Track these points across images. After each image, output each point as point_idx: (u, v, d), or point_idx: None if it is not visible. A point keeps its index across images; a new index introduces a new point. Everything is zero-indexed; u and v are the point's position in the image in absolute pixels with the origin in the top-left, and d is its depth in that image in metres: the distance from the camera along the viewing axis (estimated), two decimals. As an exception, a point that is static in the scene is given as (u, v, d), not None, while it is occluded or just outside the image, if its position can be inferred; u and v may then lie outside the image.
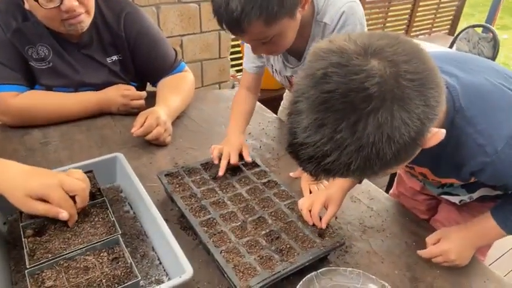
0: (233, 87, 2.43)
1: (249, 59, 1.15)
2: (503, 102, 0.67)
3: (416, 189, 1.14)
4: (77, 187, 0.71)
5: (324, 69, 0.50)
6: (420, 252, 0.81)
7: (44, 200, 0.69)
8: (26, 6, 1.04)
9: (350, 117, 0.49)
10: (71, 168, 0.84)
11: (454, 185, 0.89)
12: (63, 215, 0.70)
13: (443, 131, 0.56)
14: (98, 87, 1.23)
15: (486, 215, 0.79)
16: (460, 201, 0.94)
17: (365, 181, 1.03)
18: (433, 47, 2.80)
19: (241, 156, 0.98)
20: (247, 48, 1.12)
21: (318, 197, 0.84)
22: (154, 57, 1.27)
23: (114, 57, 1.24)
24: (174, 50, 1.33)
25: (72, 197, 0.72)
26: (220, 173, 0.93)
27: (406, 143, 0.50)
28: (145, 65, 1.27)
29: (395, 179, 1.25)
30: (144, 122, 1.08)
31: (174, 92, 1.25)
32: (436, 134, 0.55)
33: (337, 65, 0.50)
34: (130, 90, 1.26)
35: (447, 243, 0.79)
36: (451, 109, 0.65)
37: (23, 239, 0.69)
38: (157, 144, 1.11)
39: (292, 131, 0.54)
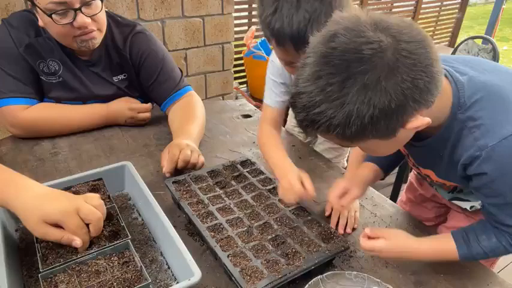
0: (236, 98, 2.46)
1: (276, 94, 1.04)
2: (510, 104, 0.66)
3: (426, 196, 1.15)
4: (92, 216, 0.69)
5: (334, 31, 0.57)
6: (361, 241, 0.76)
7: (58, 225, 0.68)
8: (40, 23, 1.08)
9: (342, 73, 0.55)
10: (81, 176, 0.87)
11: (464, 191, 0.89)
12: (77, 242, 0.68)
13: (428, 119, 0.60)
14: (106, 100, 1.26)
15: (446, 236, 0.76)
16: (470, 207, 0.94)
17: (368, 187, 1.05)
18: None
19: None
20: (270, 82, 1.05)
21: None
22: (158, 78, 1.27)
23: (121, 77, 1.27)
24: (181, 70, 1.35)
25: (87, 224, 0.70)
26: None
27: (385, 112, 0.55)
28: (149, 85, 1.28)
29: (405, 186, 1.26)
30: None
31: (189, 120, 1.21)
32: (420, 119, 0.59)
33: (347, 28, 0.56)
34: (137, 103, 1.29)
35: (383, 244, 0.74)
36: (455, 104, 0.66)
37: (35, 244, 0.71)
38: (193, 168, 1.01)
39: (296, 81, 0.60)
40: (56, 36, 1.11)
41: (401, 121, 0.58)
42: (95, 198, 0.73)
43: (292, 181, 0.83)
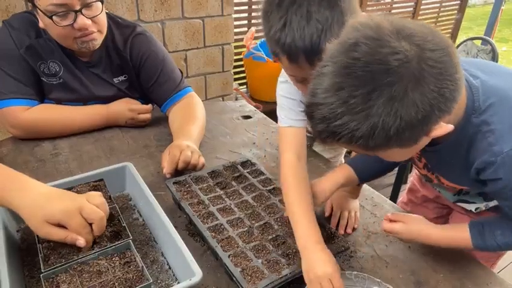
0: (236, 99, 2.47)
1: (296, 113, 0.89)
2: None
3: (429, 197, 1.14)
4: (95, 215, 0.70)
5: (355, 39, 0.55)
6: (383, 223, 0.82)
7: (61, 225, 0.68)
8: (41, 24, 1.09)
9: (367, 85, 0.53)
10: (82, 177, 0.87)
11: (470, 193, 0.90)
12: (80, 242, 0.69)
13: (451, 126, 0.59)
14: (106, 101, 1.27)
15: (463, 226, 0.78)
16: (476, 209, 0.94)
17: (368, 188, 1.06)
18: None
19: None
20: (288, 102, 0.91)
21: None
22: (158, 79, 1.27)
23: (121, 78, 1.27)
24: (181, 72, 1.35)
25: (90, 223, 0.70)
26: None
27: (412, 123, 0.54)
28: (149, 87, 1.29)
29: (407, 187, 1.26)
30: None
31: (190, 121, 1.21)
32: (444, 127, 0.58)
33: (368, 37, 0.54)
34: (137, 104, 1.29)
35: (402, 227, 0.79)
36: (469, 108, 0.66)
37: (37, 245, 0.71)
38: (194, 169, 1.01)
39: (313, 91, 0.58)
40: (57, 38, 1.11)
41: (425, 130, 0.57)
42: (96, 196, 0.74)
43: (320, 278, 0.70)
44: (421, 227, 0.80)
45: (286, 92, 0.92)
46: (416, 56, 0.53)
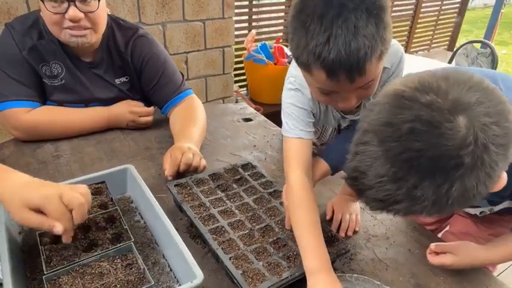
0: (236, 102, 2.47)
1: (306, 124, 0.87)
2: None
3: None
4: (74, 201, 0.67)
5: (411, 124, 0.50)
6: (429, 257, 0.82)
7: (41, 212, 0.65)
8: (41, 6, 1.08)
9: (435, 178, 0.49)
10: (84, 179, 0.88)
11: None
12: (58, 229, 0.65)
13: (505, 174, 0.55)
14: (108, 102, 1.27)
15: (508, 239, 0.78)
16: (480, 213, 0.94)
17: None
18: (433, 63, 2.85)
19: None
20: (297, 111, 0.87)
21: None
22: (159, 81, 1.28)
23: (123, 79, 1.28)
24: (182, 74, 1.36)
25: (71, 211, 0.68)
26: None
27: (480, 198, 0.52)
28: (150, 89, 1.29)
29: None
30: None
31: (190, 123, 1.22)
32: (501, 180, 0.55)
33: (427, 123, 0.49)
34: (139, 106, 1.30)
35: (452, 259, 0.79)
36: None
37: (40, 247, 0.71)
38: (195, 172, 1.02)
39: (359, 169, 0.54)
40: (48, 24, 1.10)
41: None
42: (81, 187, 0.72)
43: None
44: (472, 255, 0.79)
45: (296, 101, 0.88)
46: (483, 139, 0.49)
